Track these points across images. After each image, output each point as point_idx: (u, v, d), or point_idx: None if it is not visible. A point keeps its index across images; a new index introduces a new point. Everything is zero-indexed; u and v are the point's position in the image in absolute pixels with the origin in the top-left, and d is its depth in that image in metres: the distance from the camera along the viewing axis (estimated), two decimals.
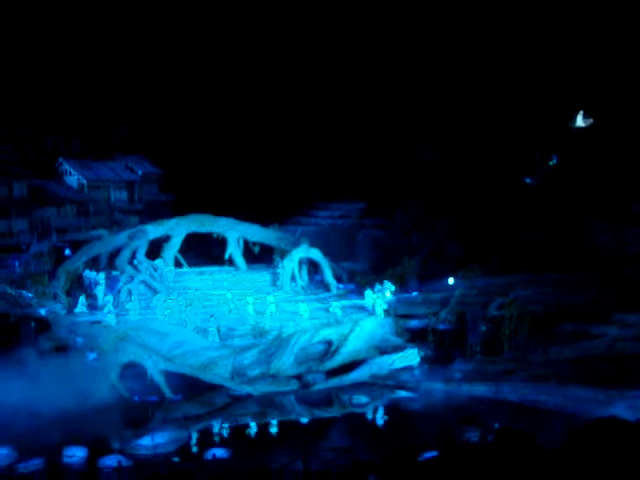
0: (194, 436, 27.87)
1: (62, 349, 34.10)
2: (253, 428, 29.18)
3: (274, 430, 28.90)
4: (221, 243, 44.57)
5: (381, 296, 38.16)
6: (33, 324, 35.85)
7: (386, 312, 37.45)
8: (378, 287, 38.83)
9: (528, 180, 48.01)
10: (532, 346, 33.54)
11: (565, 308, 35.00)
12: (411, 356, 34.76)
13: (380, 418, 30.50)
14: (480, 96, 49.39)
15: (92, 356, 33.28)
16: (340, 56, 53.52)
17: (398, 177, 48.72)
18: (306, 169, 51.55)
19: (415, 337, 36.39)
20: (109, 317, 36.14)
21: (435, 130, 49.51)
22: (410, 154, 49.22)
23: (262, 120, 54.26)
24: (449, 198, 45.51)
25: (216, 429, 28.98)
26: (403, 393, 32.70)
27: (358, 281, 42.52)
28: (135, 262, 41.21)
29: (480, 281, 38.39)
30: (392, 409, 31.16)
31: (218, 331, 35.64)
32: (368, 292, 38.66)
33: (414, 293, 39.91)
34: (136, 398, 31.21)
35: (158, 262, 41.68)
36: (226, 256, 44.41)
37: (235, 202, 47.34)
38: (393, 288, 38.80)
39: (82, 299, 38.17)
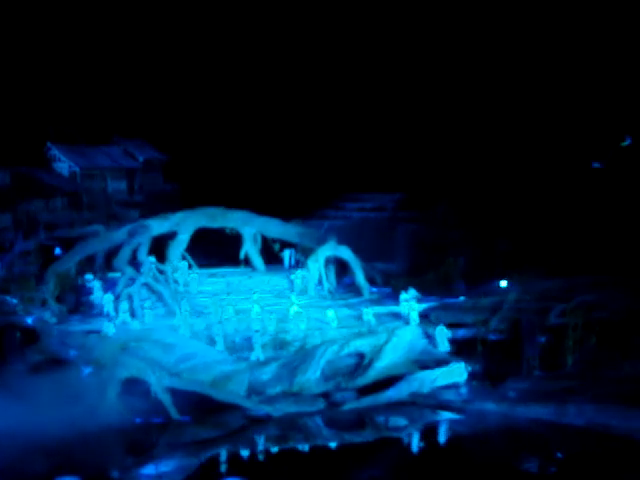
0: (204, 464, 27.94)
1: (53, 363, 34.24)
2: (273, 455, 29.22)
3: (297, 457, 28.89)
4: (235, 240, 44.82)
5: (411, 303, 38.76)
6: (19, 334, 36.07)
7: (427, 320, 37.57)
8: (404, 295, 39.18)
9: (596, 164, 47.46)
10: (601, 360, 33.52)
11: (638, 315, 34.72)
12: (457, 371, 34.73)
13: (420, 444, 30.32)
14: (539, 70, 50.06)
15: (87, 371, 33.40)
16: (376, 36, 55.15)
17: (440, 164, 48.49)
18: (334, 155, 51.66)
19: (462, 349, 36.33)
20: (107, 326, 36.38)
21: (485, 109, 49.35)
22: (455, 137, 49.01)
23: (283, 101, 54.46)
24: (500, 188, 45.19)
25: (230, 456, 29.01)
26: (448, 415, 32.68)
27: (394, 284, 42.57)
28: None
29: (537, 284, 38.40)
30: (435, 434, 31.11)
31: (233, 342, 36.01)
32: (403, 297, 39.07)
33: (460, 298, 40.03)
34: (138, 420, 31.11)
35: (168, 266, 42.00)
36: (241, 255, 44.62)
37: (251, 193, 48.00)
38: (419, 295, 39.15)
39: (124, 305, 38.13)
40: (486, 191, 45.67)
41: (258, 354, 35.22)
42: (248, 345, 36.02)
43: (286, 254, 45.51)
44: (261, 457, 28.84)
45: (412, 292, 39.38)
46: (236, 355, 35.23)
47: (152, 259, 42.14)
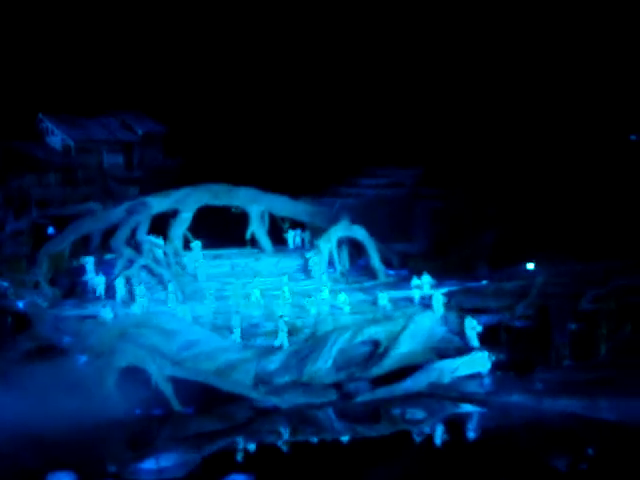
0: (208, 459, 27.86)
1: (46, 351, 34.26)
2: (281, 449, 29.21)
3: (307, 452, 28.73)
4: (241, 219, 44.83)
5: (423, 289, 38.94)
6: (10, 320, 36.22)
7: (448, 305, 37.38)
8: (415, 281, 39.31)
9: (634, 137, 46.99)
10: (636, 349, 33.24)
11: None
12: (480, 361, 34.64)
13: (439, 439, 30.01)
14: (573, 41, 49.98)
15: (83, 359, 33.45)
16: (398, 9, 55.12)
17: (464, 135, 48.43)
18: (347, 127, 51.23)
19: (485, 337, 36.00)
20: (104, 311, 36.30)
21: (515, 76, 49.12)
22: (481, 105, 48.67)
23: (293, 67, 54.16)
24: (529, 163, 44.87)
25: (235, 450, 28.91)
26: (469, 408, 32.59)
27: (412, 266, 42.48)
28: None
29: (567, 267, 38.19)
30: (455, 428, 30.79)
31: (240, 329, 35.92)
32: (415, 282, 39.28)
33: (484, 281, 39.83)
34: (137, 411, 31.15)
35: (169, 247, 42.06)
36: (247, 235, 44.68)
37: (258, 169, 47.49)
38: (433, 282, 39.23)
39: (141, 289, 38.22)
40: (513, 166, 45.24)
41: (283, 340, 35.15)
42: (254, 332, 36.22)
43: (290, 235, 45.61)
44: (268, 452, 28.68)
45: (426, 278, 39.41)
46: (243, 342, 35.30)
47: (156, 239, 42.27)
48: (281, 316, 36.07)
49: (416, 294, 38.93)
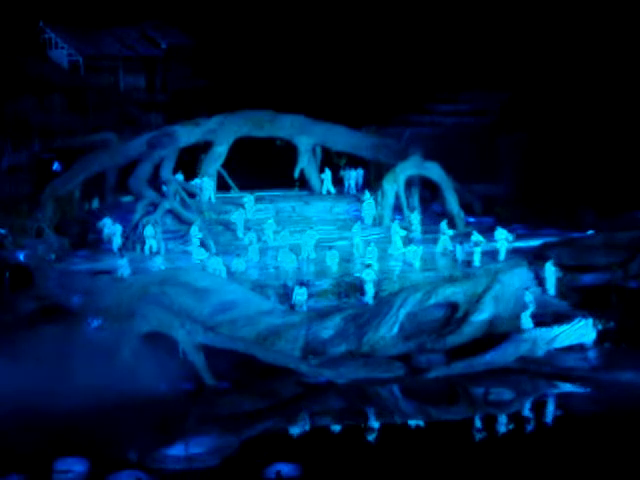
0: (246, 444, 27.86)
1: (51, 313, 34.61)
2: (334, 435, 29.24)
3: (368, 438, 28.63)
4: (288, 154, 45.05)
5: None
6: (8, 274, 36.62)
7: (544, 261, 37.27)
8: (499, 232, 39.69)
9: None
10: None
11: None
12: (582, 329, 34.52)
13: (533, 424, 29.71)
14: None
15: (95, 323, 33.73)
16: None
17: (560, 50, 47.89)
18: (419, 43, 50.72)
19: (590, 300, 36.15)
20: (121, 266, 36.87)
21: None
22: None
23: None
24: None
25: (279, 435, 28.95)
26: (569, 387, 32.45)
27: (498, 212, 42.82)
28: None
29: None
30: (551, 412, 30.82)
31: (284, 287, 36.50)
32: (499, 234, 39.65)
33: (589, 232, 39.93)
34: (162, 386, 31.23)
35: (199, 182, 42.49)
36: (295, 173, 45.29)
37: (309, 92, 47.81)
38: (510, 237, 39.63)
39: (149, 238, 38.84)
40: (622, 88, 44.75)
41: (369, 295, 35.63)
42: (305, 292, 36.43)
43: (347, 174, 45.86)
44: (319, 438, 28.67)
45: (501, 232, 39.53)
46: (289, 304, 35.85)
47: (179, 177, 42.51)
48: (369, 265, 36.56)
49: (502, 247, 39.06)
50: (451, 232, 40.99)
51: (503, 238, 39.36)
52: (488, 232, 41.15)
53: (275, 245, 40.27)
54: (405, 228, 41.90)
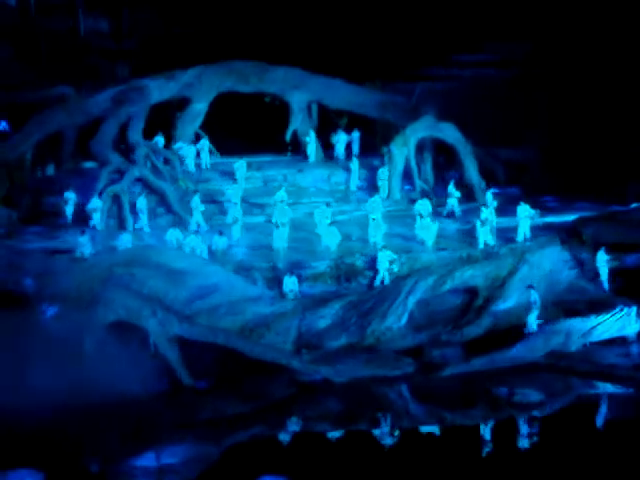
0: (227, 454, 27.68)
1: None
2: (332, 442, 29.02)
3: (371, 447, 28.10)
4: (279, 114, 45.20)
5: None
6: None
7: (579, 239, 37.73)
8: (523, 209, 39.45)
9: None
10: None
11: None
12: (625, 320, 34.36)
13: (564, 431, 28.98)
14: None
15: (52, 311, 33.17)
16: None
17: None
18: None
19: (635, 285, 35.98)
20: (81, 243, 36.66)
21: None
22: None
23: None
24: None
25: (268, 443, 28.58)
26: (608, 387, 32.33)
27: (526, 182, 43.19)
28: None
29: None
30: (587, 415, 30.26)
31: (273, 269, 36.44)
32: (522, 210, 39.49)
33: (632, 205, 40.12)
34: (130, 386, 30.47)
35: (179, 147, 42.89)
36: (287, 136, 45.45)
37: (305, 39, 48.33)
38: (532, 212, 39.54)
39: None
40: None
41: (384, 278, 35.57)
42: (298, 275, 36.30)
43: (337, 138, 45.59)
44: (314, 445, 28.27)
45: (524, 208, 39.35)
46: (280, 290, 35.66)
47: (160, 140, 42.80)
48: (384, 246, 36.49)
49: (524, 226, 38.92)
50: (458, 194, 41.43)
51: (526, 216, 38.92)
52: (512, 205, 40.99)
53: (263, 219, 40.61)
54: (416, 201, 41.70)
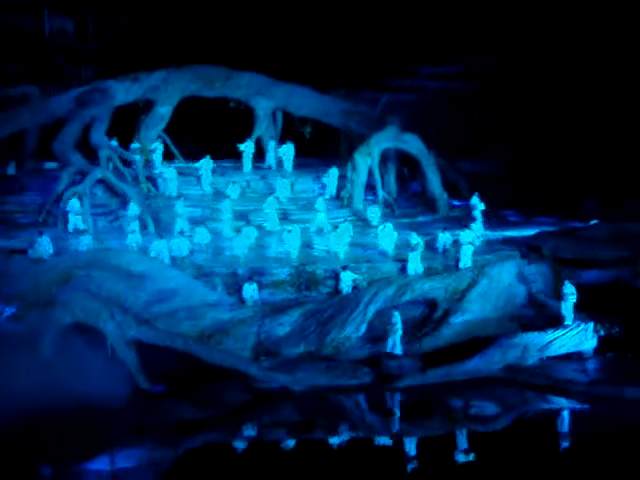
0: (183, 459, 27.64)
1: None
2: (289, 451, 28.80)
3: (326, 457, 28.09)
4: (243, 119, 45.36)
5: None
6: None
7: (537, 252, 38.06)
8: (466, 234, 38.82)
9: None
10: None
11: None
12: (581, 335, 34.56)
13: (519, 445, 28.98)
14: None
15: (8, 312, 33.39)
16: None
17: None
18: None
19: (592, 301, 35.97)
20: (40, 244, 36.65)
21: None
22: None
23: None
24: None
25: (224, 449, 28.54)
26: (564, 402, 32.42)
27: (487, 195, 42.28)
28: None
29: None
30: (543, 430, 30.26)
31: (233, 275, 36.50)
32: (465, 234, 38.96)
33: (592, 221, 40.30)
34: (85, 389, 30.28)
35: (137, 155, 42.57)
36: (250, 142, 44.98)
37: (271, 47, 48.17)
38: (478, 241, 39.37)
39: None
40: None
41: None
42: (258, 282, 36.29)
43: (271, 147, 45.25)
44: (271, 454, 28.17)
45: (467, 234, 38.83)
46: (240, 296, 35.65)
47: (114, 143, 42.45)
48: (346, 267, 36.41)
49: (467, 252, 38.12)
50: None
51: (469, 242, 38.34)
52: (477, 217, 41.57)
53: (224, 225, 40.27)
54: (378, 212, 41.82)
